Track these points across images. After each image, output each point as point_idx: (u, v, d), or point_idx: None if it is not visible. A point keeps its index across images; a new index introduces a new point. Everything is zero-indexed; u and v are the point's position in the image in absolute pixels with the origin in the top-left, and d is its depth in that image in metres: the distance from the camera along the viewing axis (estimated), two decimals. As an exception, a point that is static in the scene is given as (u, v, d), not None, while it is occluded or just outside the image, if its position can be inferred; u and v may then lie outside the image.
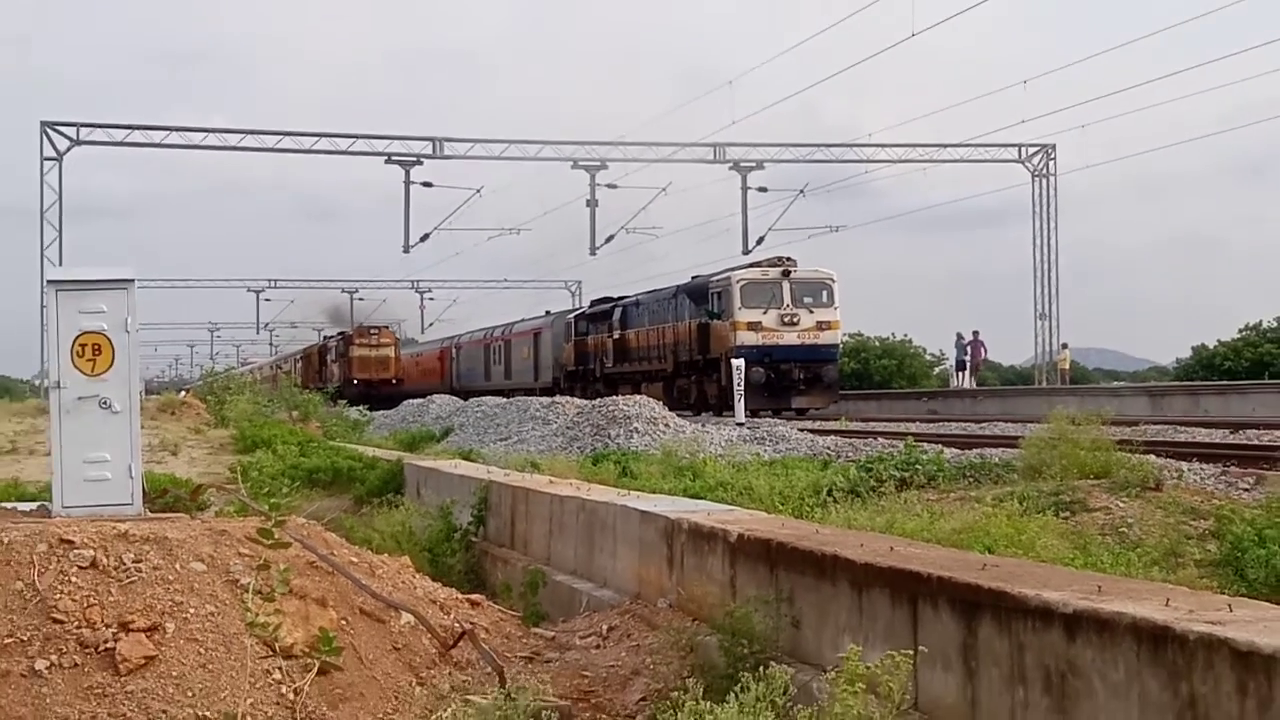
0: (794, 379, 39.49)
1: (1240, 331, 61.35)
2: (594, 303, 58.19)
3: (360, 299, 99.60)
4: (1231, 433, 23.27)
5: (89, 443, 11.79)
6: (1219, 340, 62.19)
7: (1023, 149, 56.13)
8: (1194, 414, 32.71)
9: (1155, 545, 11.58)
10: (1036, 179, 56.41)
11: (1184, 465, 15.24)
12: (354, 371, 76.83)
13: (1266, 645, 4.75)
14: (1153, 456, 15.47)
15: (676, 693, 7.52)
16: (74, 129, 51.11)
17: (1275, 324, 60.50)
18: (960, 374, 55.53)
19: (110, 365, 11.86)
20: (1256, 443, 20.41)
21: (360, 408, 55.38)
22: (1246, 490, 13.97)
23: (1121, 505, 13.14)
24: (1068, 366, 55.67)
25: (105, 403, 11.83)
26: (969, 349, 53.50)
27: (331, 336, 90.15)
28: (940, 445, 18.85)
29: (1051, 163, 56.17)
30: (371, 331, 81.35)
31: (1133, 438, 16.89)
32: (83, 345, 11.81)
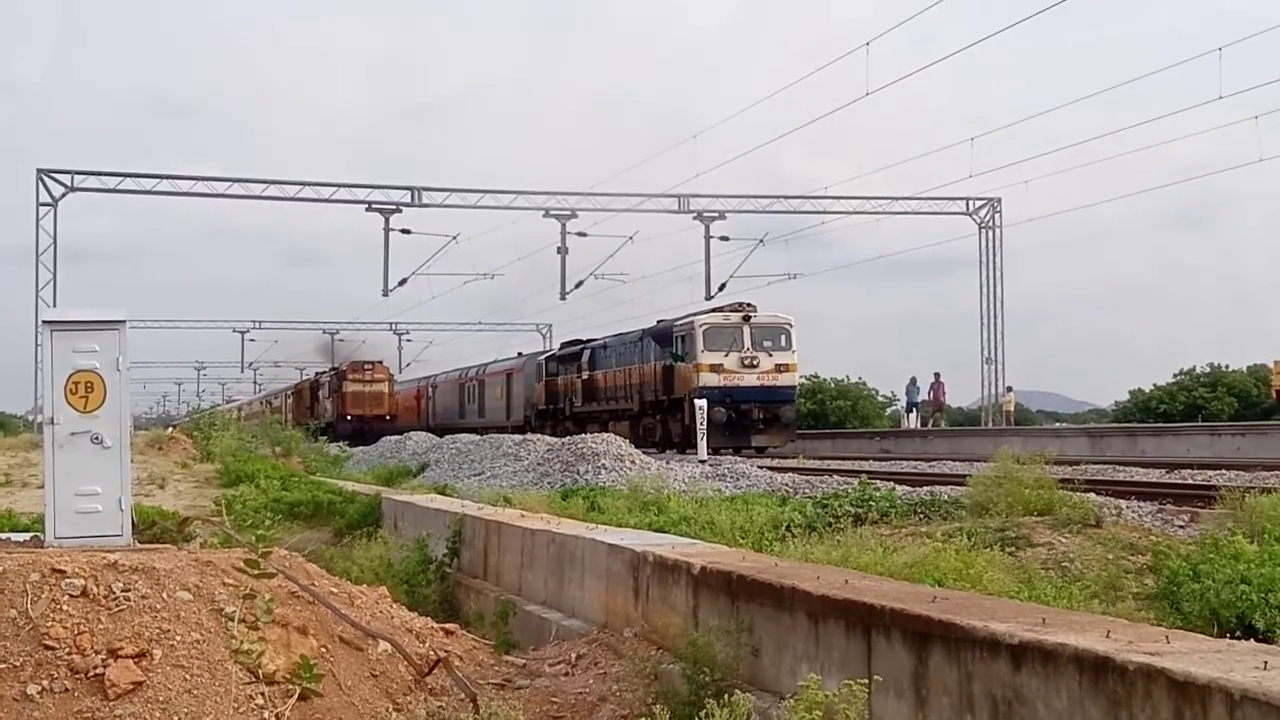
0: (754, 419, 39.50)
1: (1175, 376, 61.90)
2: (564, 345, 58.17)
3: (341, 340, 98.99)
4: (1167, 472, 23.35)
5: (81, 476, 11.75)
6: (1155, 384, 62.75)
7: (970, 202, 56.38)
8: (1131, 454, 32.83)
9: (1096, 579, 11.63)
10: (983, 230, 56.67)
11: (1122, 503, 15.27)
12: (347, 407, 72.21)
13: (1202, 675, 4.78)
14: (1093, 495, 15.52)
15: (643, 718, 7.51)
16: (69, 176, 50.88)
17: (1208, 369, 61.00)
18: (910, 415, 55.64)
19: (102, 403, 11.83)
20: (1191, 482, 20.48)
21: (341, 444, 55.21)
22: (1182, 527, 14.02)
23: (1064, 541, 13.19)
24: (1012, 408, 55.89)
25: (97, 438, 11.80)
26: (932, 389, 53.61)
27: (323, 372, 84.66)
28: (892, 483, 18.85)
29: (997, 215, 56.42)
30: (365, 366, 75.72)
31: (1074, 477, 16.93)
32: (76, 383, 11.78)
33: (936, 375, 54.10)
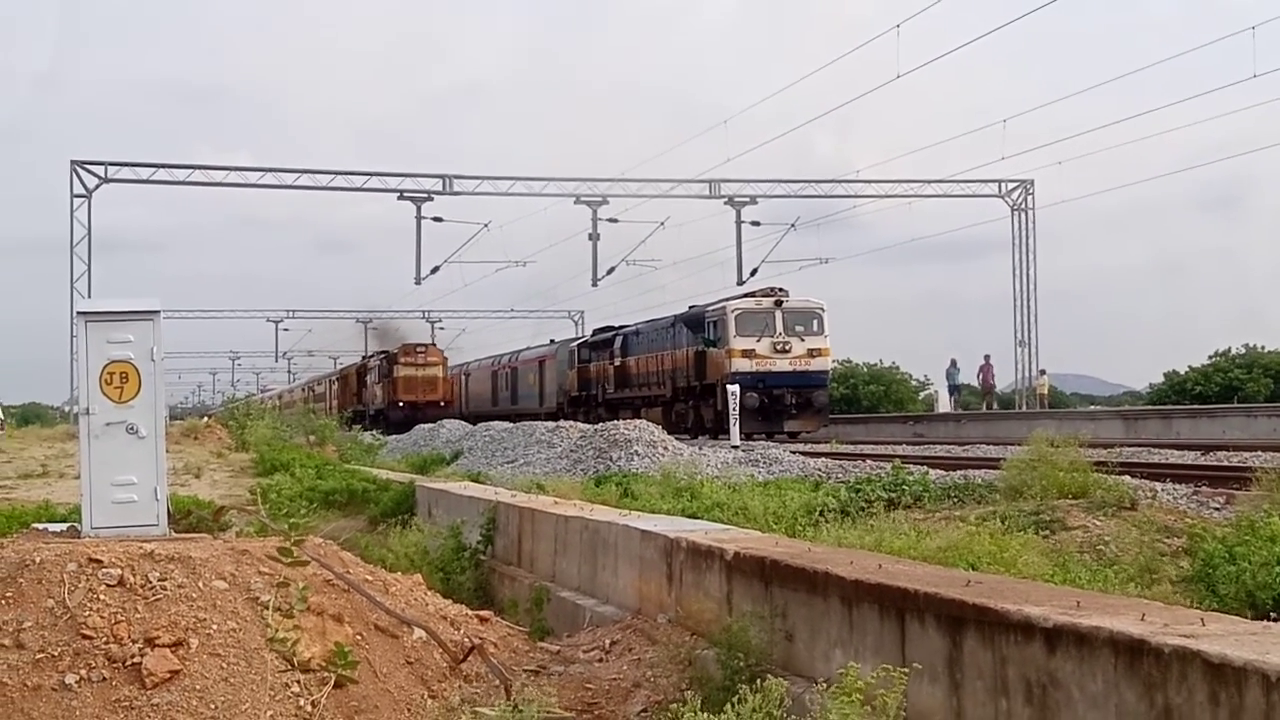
0: (786, 404, 39.48)
1: (1210, 358, 61.46)
2: (596, 331, 58.26)
3: (374, 329, 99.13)
4: (1203, 454, 23.25)
5: (117, 467, 11.80)
6: (1190, 366, 62.32)
7: (1002, 184, 56.16)
8: (1167, 436, 32.66)
9: (1131, 562, 11.56)
10: (1016, 213, 56.43)
11: (1158, 486, 15.20)
12: (399, 393, 67.74)
13: (1238, 658, 4.75)
14: (1128, 477, 15.46)
15: (676, 704, 7.52)
16: (102, 168, 51.11)
17: (1243, 350, 60.60)
18: (951, 397, 55.43)
19: (137, 393, 11.88)
20: (1227, 464, 20.38)
21: (374, 432, 55.25)
22: (1217, 509, 13.94)
23: (1098, 524, 13.13)
24: (1046, 391, 55.66)
25: (132, 428, 11.85)
26: (981, 372, 53.40)
27: (371, 356, 79.71)
28: (926, 467, 18.79)
29: (1030, 197, 56.19)
30: (418, 350, 71.13)
31: (1109, 459, 16.83)
32: (111, 373, 11.83)
33: (986, 358, 53.90)
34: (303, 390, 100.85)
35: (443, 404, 66.59)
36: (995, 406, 53.15)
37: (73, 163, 50.70)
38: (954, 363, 55.04)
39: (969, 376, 55.49)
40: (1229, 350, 60.96)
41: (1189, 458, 22.62)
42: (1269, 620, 7.57)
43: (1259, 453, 21.86)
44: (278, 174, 53.65)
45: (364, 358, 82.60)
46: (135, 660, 8.39)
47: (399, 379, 68.37)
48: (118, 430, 11.84)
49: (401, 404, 66.62)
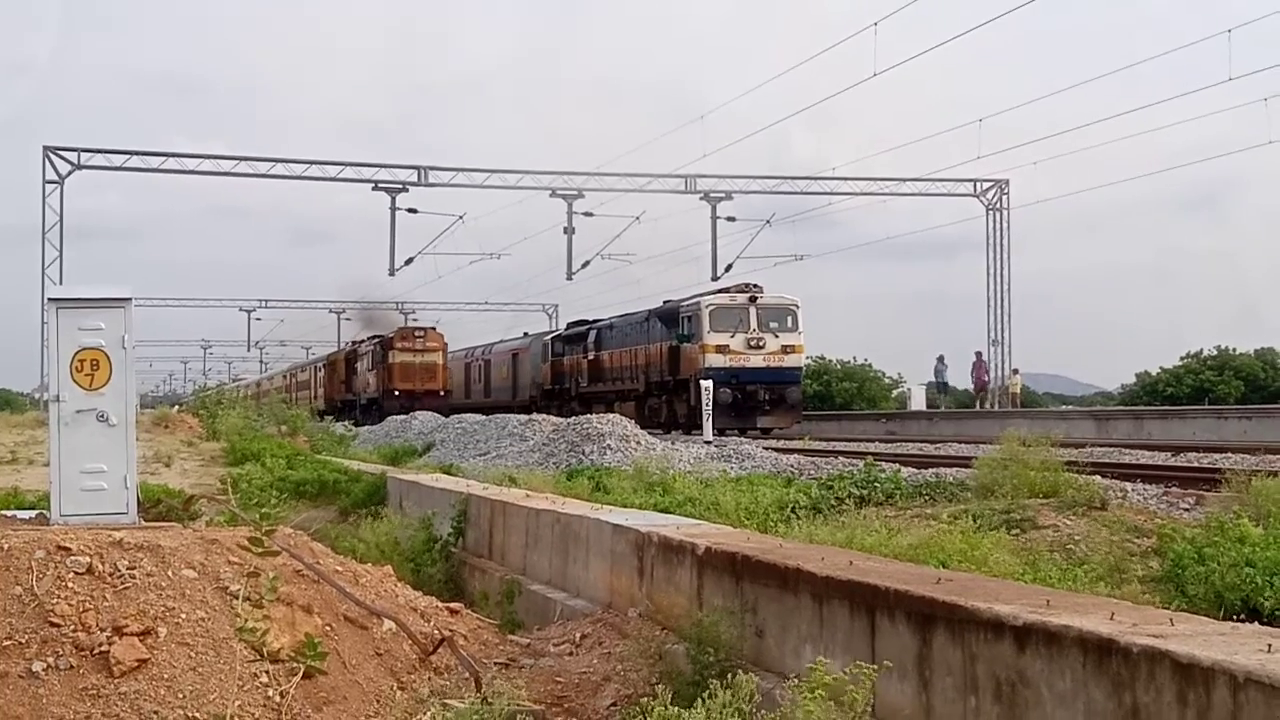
0: (759, 400, 39.55)
1: (1181, 359, 61.72)
2: (570, 325, 58.22)
3: (347, 319, 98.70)
4: (1173, 455, 23.35)
5: (86, 454, 11.75)
6: (1161, 367, 62.58)
7: (978, 184, 56.25)
8: (1138, 437, 32.83)
9: (1101, 562, 11.62)
10: (991, 212, 56.56)
11: (1128, 486, 15.27)
12: (394, 381, 62.18)
13: (1205, 658, 4.78)
14: (1098, 477, 15.52)
15: (646, 698, 7.51)
16: (75, 154, 50.84)
17: (1214, 352, 60.88)
18: (941, 394, 55.55)
19: (108, 380, 11.82)
20: (1197, 465, 20.48)
21: (346, 423, 55.03)
22: (1187, 510, 14.01)
23: (1069, 523, 13.18)
24: (1019, 390, 55.76)
25: (102, 416, 11.79)
26: (974, 369, 53.49)
27: (363, 340, 73.18)
28: (898, 464, 18.84)
29: (1005, 197, 56.29)
30: (416, 334, 65.07)
31: (1080, 459, 16.92)
32: (81, 361, 11.77)
33: (978, 355, 54.00)
34: (284, 378, 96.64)
35: (443, 393, 62.39)
36: (989, 404, 53.13)
37: (45, 148, 50.44)
38: (941, 359, 55.21)
39: (958, 373, 55.63)
40: (1200, 352, 61.26)
41: (1159, 458, 22.72)
42: (1237, 621, 7.60)
43: (1229, 454, 21.98)
44: (252, 163, 53.36)
45: (354, 342, 77.17)
46: (103, 648, 8.35)
47: (395, 365, 63.03)
48: (88, 418, 11.79)
49: (397, 393, 61.25)
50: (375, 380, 65.10)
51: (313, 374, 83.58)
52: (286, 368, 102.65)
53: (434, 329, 66.80)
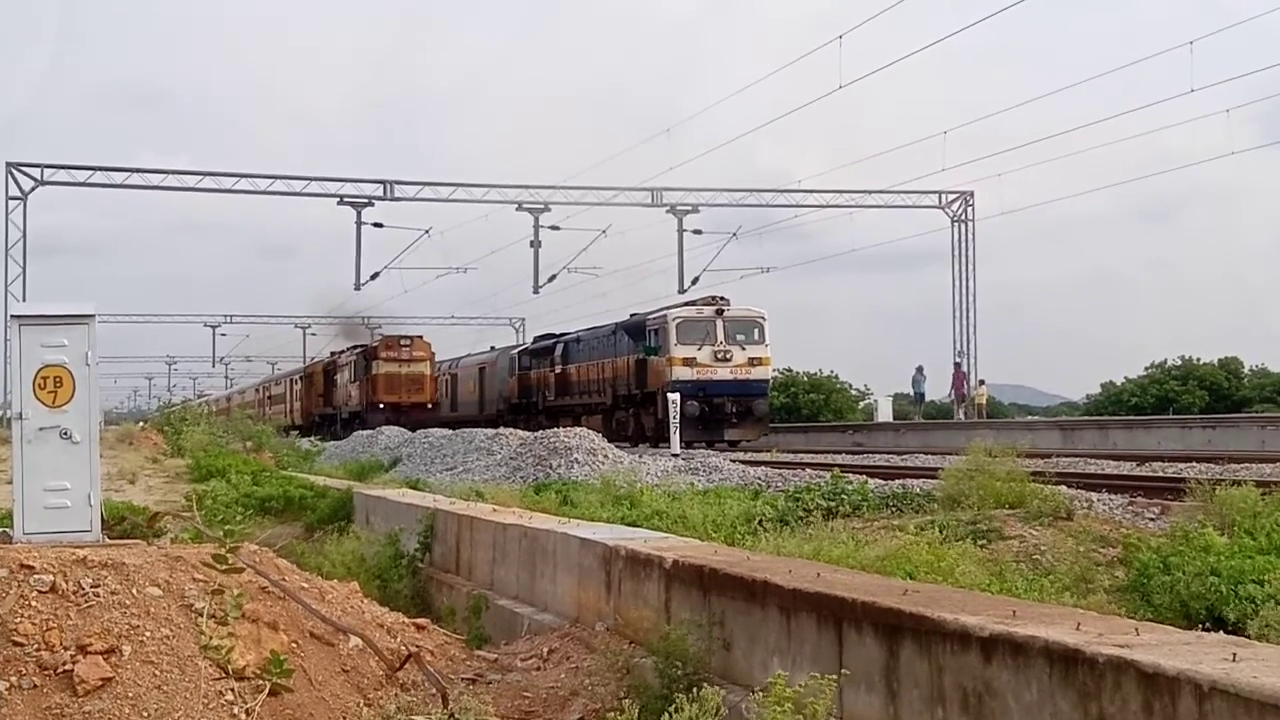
0: (727, 412, 39.60)
1: (1146, 369, 62.11)
2: (537, 339, 58.24)
3: (313, 334, 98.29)
4: (1138, 465, 23.49)
5: (50, 472, 11.66)
6: (1126, 377, 62.96)
7: (943, 195, 56.51)
8: (1103, 447, 32.99)
9: (1067, 572, 11.67)
10: (956, 224, 56.81)
11: (1094, 496, 15.35)
12: (379, 393, 58.70)
13: (1171, 667, 4.79)
14: (1064, 487, 15.58)
15: (613, 713, 7.50)
16: (39, 170, 50.63)
17: (1179, 362, 61.25)
18: (918, 405, 55.67)
19: (71, 397, 11.75)
20: (1162, 475, 20.61)
21: (312, 438, 54.77)
22: (1152, 520, 14.09)
23: (1035, 534, 13.23)
24: (985, 401, 55.97)
25: (66, 433, 11.71)
26: (953, 378, 53.58)
27: (343, 351, 70.13)
28: (865, 476, 18.90)
29: (970, 208, 56.56)
30: (403, 343, 61.09)
31: (1045, 469, 17.02)
32: (45, 378, 11.70)
33: (958, 365, 54.11)
34: (256, 391, 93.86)
35: (430, 406, 59.70)
36: (969, 415, 53.17)
37: (8, 165, 50.24)
38: (920, 370, 55.30)
39: (938, 384, 55.72)
40: (1165, 362, 61.63)
41: (1125, 468, 22.86)
42: (1202, 630, 7.64)
43: (1193, 464, 22.14)
44: (216, 178, 53.22)
45: (333, 353, 73.46)
46: (67, 667, 8.29)
47: (379, 377, 59.49)
48: (51, 435, 11.71)
49: (381, 406, 57.88)
50: (358, 393, 61.85)
51: (288, 387, 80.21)
52: (259, 381, 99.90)
53: (421, 338, 62.96)
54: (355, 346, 66.54)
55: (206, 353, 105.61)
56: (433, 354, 62.42)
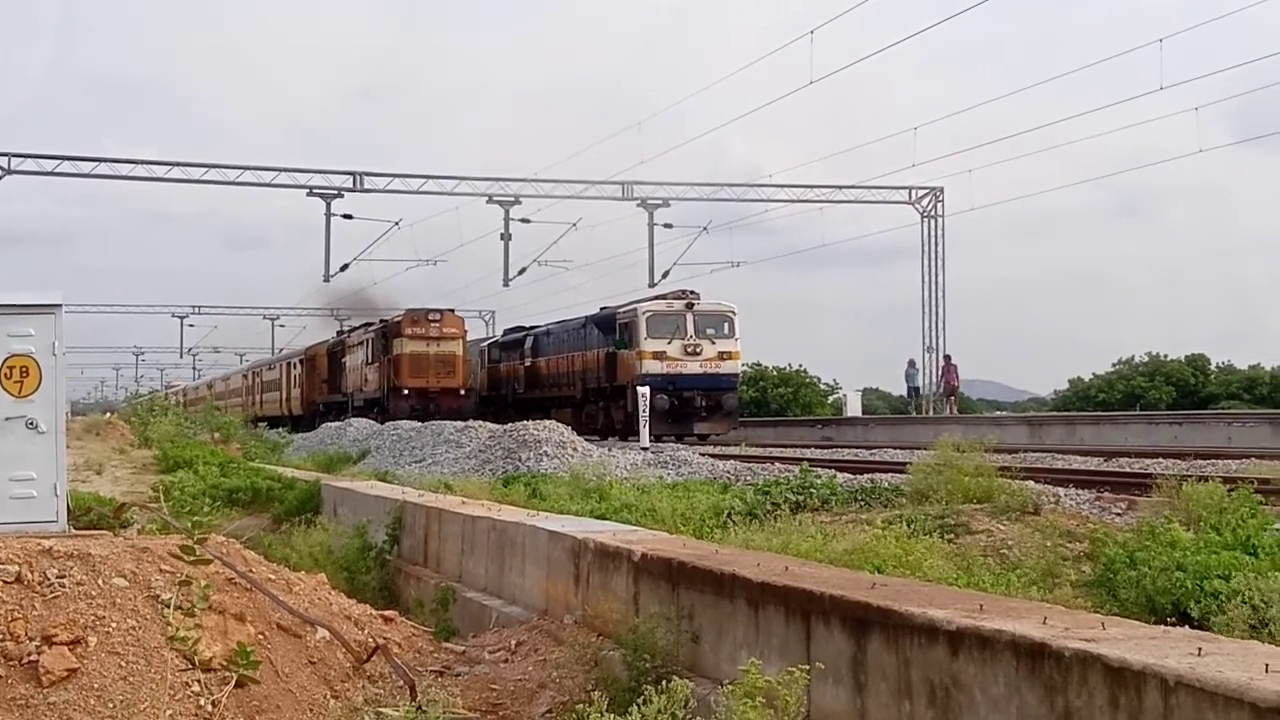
0: (696, 406, 39.58)
1: (1113, 365, 62.59)
2: (507, 331, 58.15)
3: (282, 326, 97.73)
4: (1105, 461, 23.57)
5: (15, 462, 11.62)
6: (1094, 373, 63.40)
7: (913, 191, 56.56)
8: (1070, 443, 33.07)
9: (1034, 566, 11.70)
10: (926, 220, 56.88)
11: (1061, 491, 15.39)
12: (403, 377, 48.75)
13: (1137, 661, 4.81)
14: (1032, 483, 15.62)
15: (582, 705, 7.50)
16: (5, 159, 50.27)
17: (1146, 358, 61.62)
18: (914, 399, 55.64)
19: (37, 387, 11.70)
20: (1128, 470, 20.68)
21: (280, 429, 54.46)
22: (1119, 515, 14.14)
23: (1002, 528, 13.28)
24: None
25: (32, 423, 11.67)
26: (943, 373, 53.52)
27: (356, 328, 59.21)
28: (833, 470, 18.90)
29: (940, 204, 56.62)
30: (431, 318, 49.96)
31: (1013, 465, 17.05)
32: (11, 368, 11.65)
33: (947, 358, 53.87)
34: (244, 378, 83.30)
35: (463, 392, 50.40)
36: (956, 409, 52.98)
37: (-27, 154, 49.85)
38: (912, 363, 55.31)
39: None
40: (1132, 358, 62.01)
41: (1092, 464, 22.93)
42: (1168, 625, 7.67)
43: (1160, 459, 22.24)
44: (185, 168, 52.94)
45: (341, 332, 64.09)
46: (32, 658, 8.25)
47: (404, 357, 49.37)
48: (17, 425, 11.67)
49: (406, 391, 48.69)
50: (376, 377, 52.19)
51: (284, 372, 70.92)
52: (248, 366, 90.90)
53: (452, 311, 52.06)
54: (369, 323, 56.45)
55: (174, 344, 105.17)
56: (465, 331, 52.78)
